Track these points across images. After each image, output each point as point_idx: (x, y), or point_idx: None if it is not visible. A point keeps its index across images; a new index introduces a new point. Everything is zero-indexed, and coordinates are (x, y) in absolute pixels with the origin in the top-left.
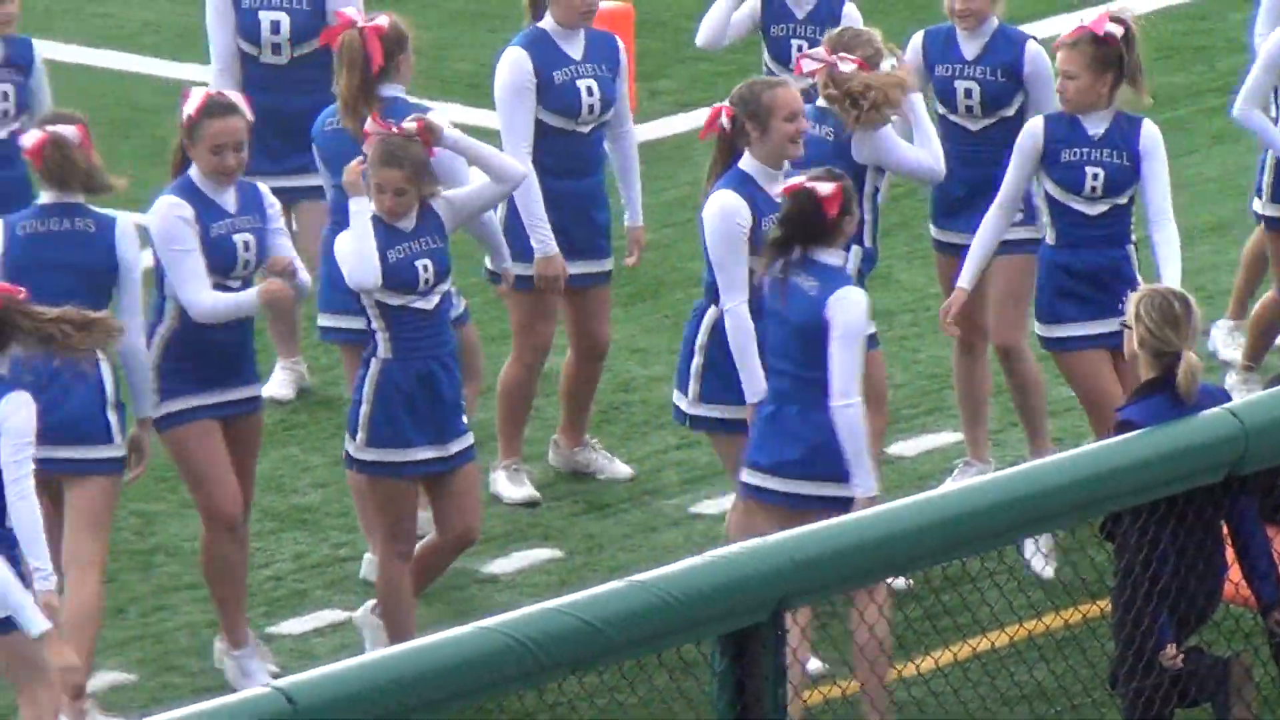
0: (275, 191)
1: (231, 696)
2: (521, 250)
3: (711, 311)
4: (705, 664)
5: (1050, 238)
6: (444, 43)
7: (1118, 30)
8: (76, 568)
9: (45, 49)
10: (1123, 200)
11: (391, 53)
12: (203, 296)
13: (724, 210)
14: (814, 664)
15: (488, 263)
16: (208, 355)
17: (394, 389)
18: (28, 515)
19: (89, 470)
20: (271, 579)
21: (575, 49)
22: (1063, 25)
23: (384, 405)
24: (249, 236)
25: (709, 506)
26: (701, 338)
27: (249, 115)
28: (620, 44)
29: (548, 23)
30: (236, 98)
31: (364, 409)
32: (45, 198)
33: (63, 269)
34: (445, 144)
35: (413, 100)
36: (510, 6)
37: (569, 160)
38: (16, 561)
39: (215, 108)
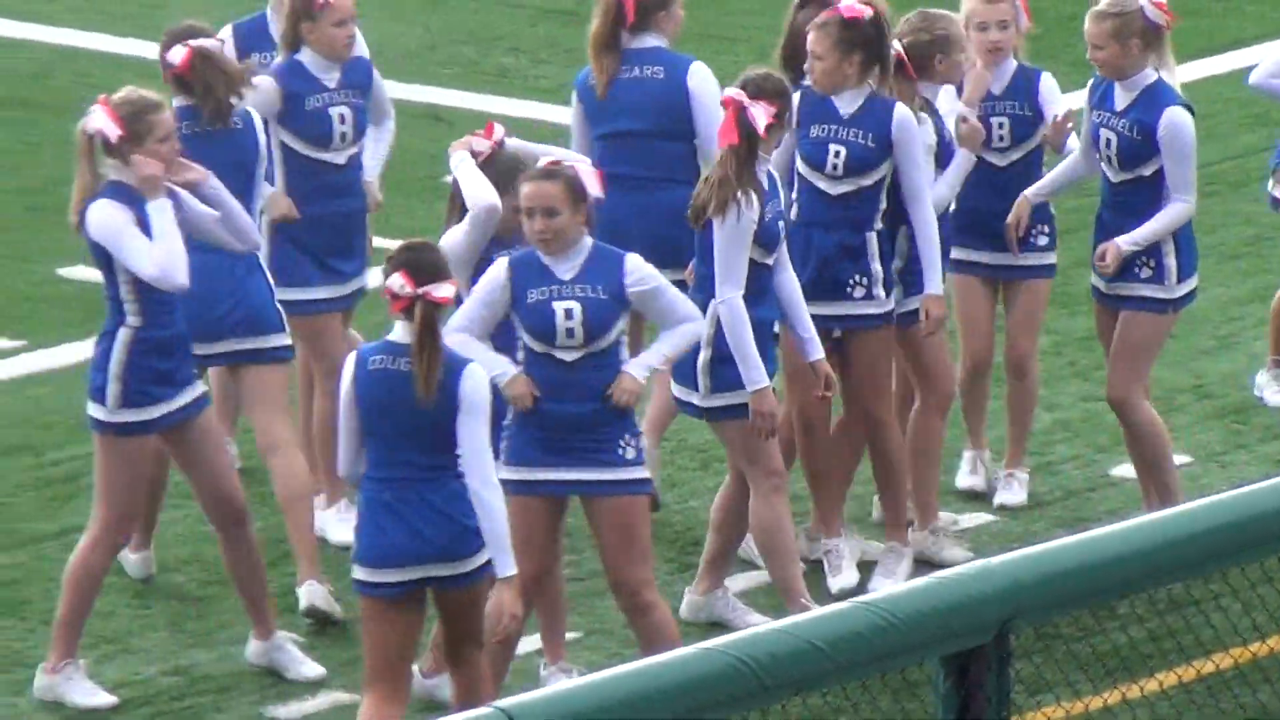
0: (335, 301)
1: (455, 717)
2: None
3: (713, 306)
4: (929, 685)
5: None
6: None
7: (866, 12)
8: (281, 448)
9: None
10: (867, 182)
11: (647, 9)
12: None
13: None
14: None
15: None
16: None
17: None
18: (499, 506)
19: (270, 358)
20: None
21: None
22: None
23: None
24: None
25: (935, 529)
26: (708, 330)
27: None
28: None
29: None
30: None
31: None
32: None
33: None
34: (510, 150)
35: (670, 52)
36: (734, 29)
37: None
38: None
39: None
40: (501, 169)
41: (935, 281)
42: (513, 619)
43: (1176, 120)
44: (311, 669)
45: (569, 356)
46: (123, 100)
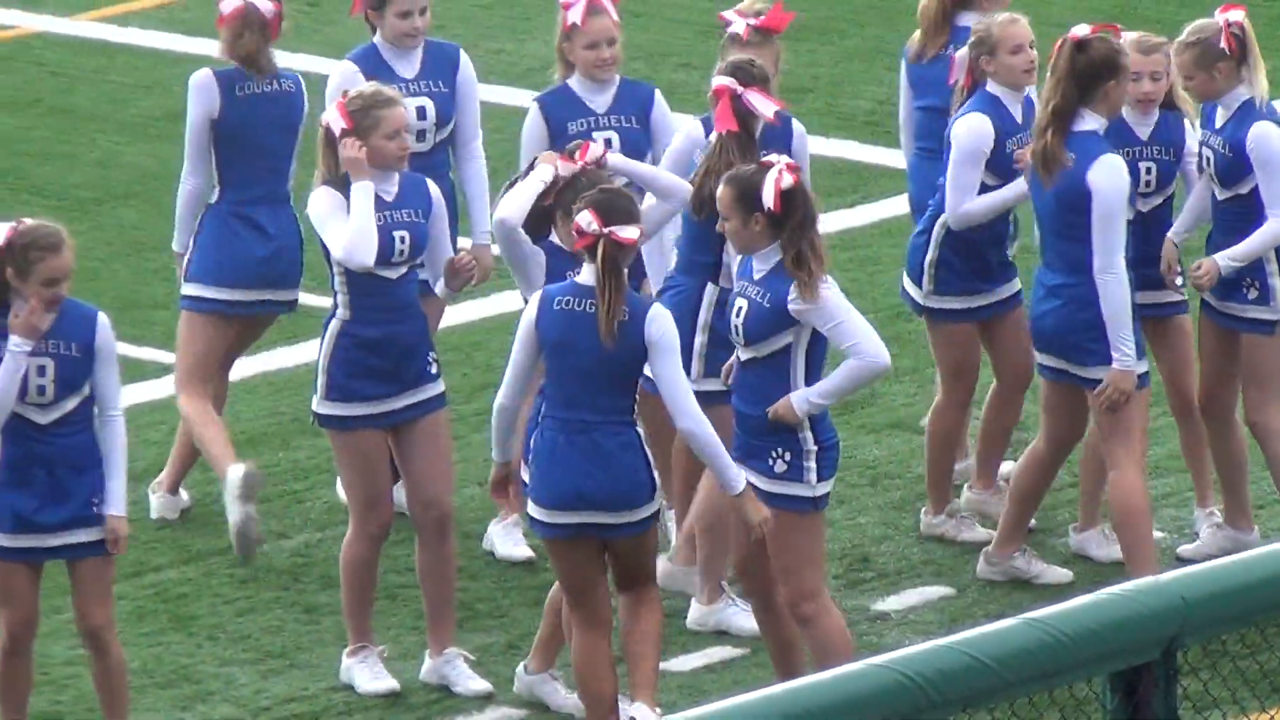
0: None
1: None
2: None
3: (710, 289)
4: (1096, 702)
5: None
6: (840, 79)
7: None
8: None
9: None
10: None
11: None
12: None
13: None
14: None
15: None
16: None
17: None
18: (707, 433)
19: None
20: (667, 616)
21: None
22: None
23: None
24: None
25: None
26: (704, 316)
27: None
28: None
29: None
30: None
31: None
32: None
33: (275, 127)
34: (611, 169)
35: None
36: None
37: None
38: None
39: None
40: (580, 189)
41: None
42: (764, 522)
43: (1262, 134)
44: (479, 684)
45: (744, 356)
46: (356, 94)
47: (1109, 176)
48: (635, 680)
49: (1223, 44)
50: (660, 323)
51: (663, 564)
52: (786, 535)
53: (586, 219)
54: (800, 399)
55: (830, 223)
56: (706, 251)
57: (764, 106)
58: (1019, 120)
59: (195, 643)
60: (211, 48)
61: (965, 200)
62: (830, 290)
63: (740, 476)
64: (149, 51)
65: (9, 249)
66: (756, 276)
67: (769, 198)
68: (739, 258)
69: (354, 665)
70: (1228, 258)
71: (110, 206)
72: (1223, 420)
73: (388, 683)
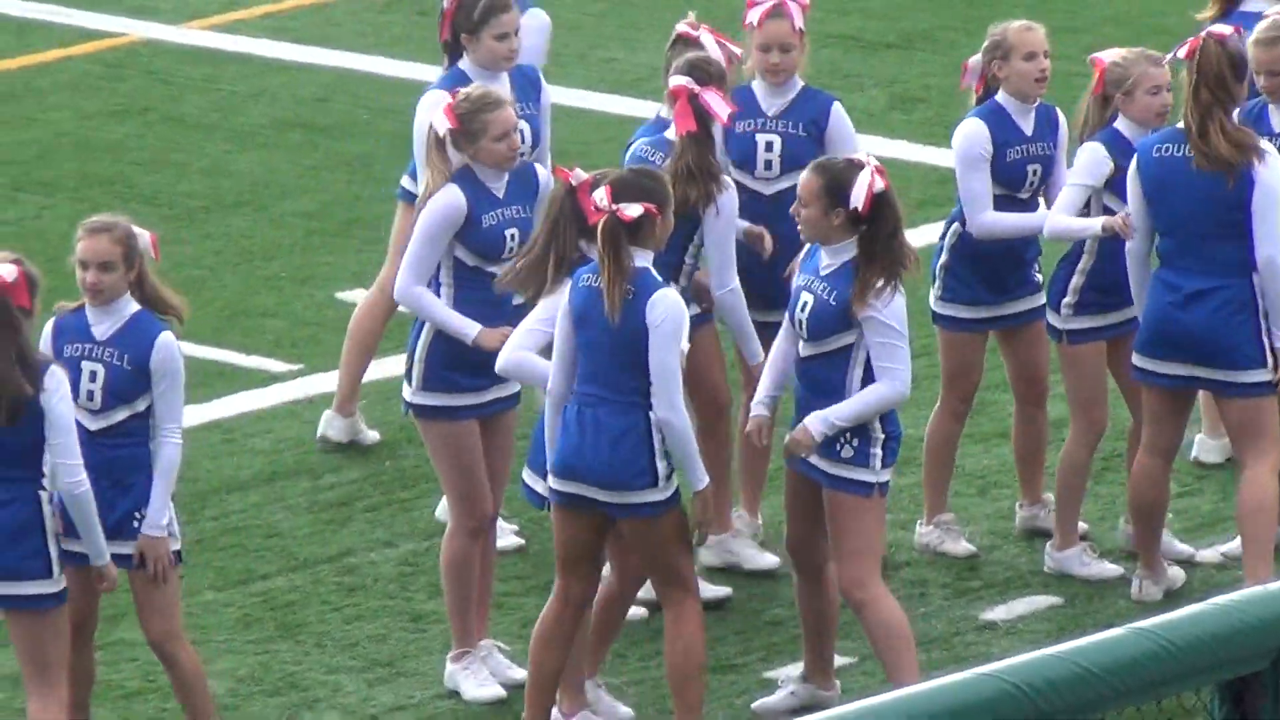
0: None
1: None
2: None
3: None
4: (1204, 712)
5: None
6: (951, 89)
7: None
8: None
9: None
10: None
11: None
12: None
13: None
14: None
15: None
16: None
17: None
18: (681, 426)
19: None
20: (769, 624)
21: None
22: None
23: None
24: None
25: (1209, 554)
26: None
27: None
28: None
29: None
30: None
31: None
32: None
33: None
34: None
35: None
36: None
37: None
38: None
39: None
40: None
41: None
42: (705, 526)
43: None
44: (518, 672)
45: (804, 351)
46: (464, 97)
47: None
48: (675, 706)
49: None
50: (661, 307)
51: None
52: (849, 518)
53: (600, 194)
54: (819, 421)
55: (928, 233)
56: (671, 250)
57: (719, 108)
58: (1027, 132)
59: (303, 650)
60: (319, 56)
61: (981, 209)
62: (895, 304)
63: (701, 475)
64: (257, 60)
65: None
66: (824, 272)
67: (859, 198)
68: (804, 250)
69: (458, 671)
70: None
71: (219, 215)
72: None
73: (493, 690)
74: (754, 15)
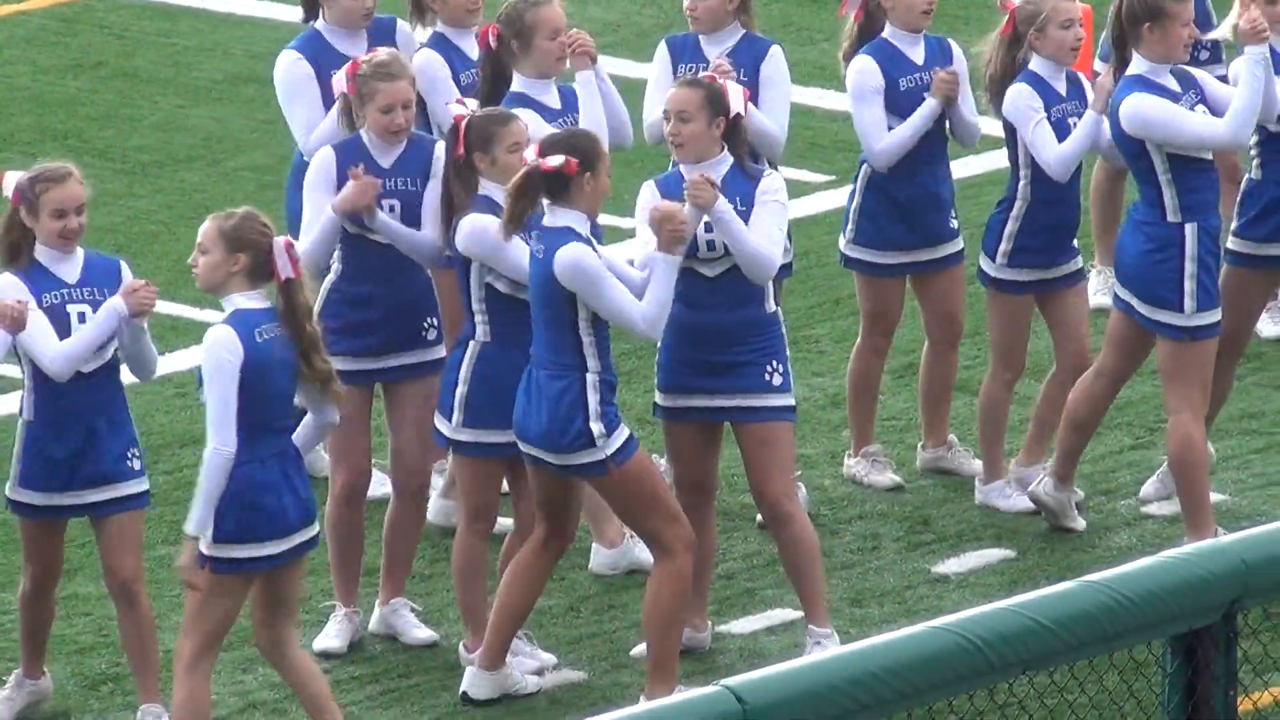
0: None
1: (681, 695)
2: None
3: None
4: (1156, 664)
5: None
6: None
7: None
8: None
9: None
10: None
11: None
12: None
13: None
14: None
15: None
16: None
17: None
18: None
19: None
20: (722, 578)
21: None
22: None
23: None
24: None
25: (1162, 507)
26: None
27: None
28: None
29: None
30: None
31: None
32: None
33: None
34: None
35: None
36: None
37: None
38: None
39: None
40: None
41: None
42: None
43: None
44: (425, 633)
45: (711, 271)
46: (366, 60)
47: None
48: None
49: None
50: (563, 261)
51: None
52: (782, 442)
53: (530, 153)
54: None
55: None
56: None
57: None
58: (918, 62)
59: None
60: (273, 10)
61: (876, 139)
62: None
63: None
64: (212, 15)
65: (19, 191)
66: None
67: (737, 104)
68: (655, 181)
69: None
70: None
71: (172, 169)
72: None
73: (426, 632)
74: None
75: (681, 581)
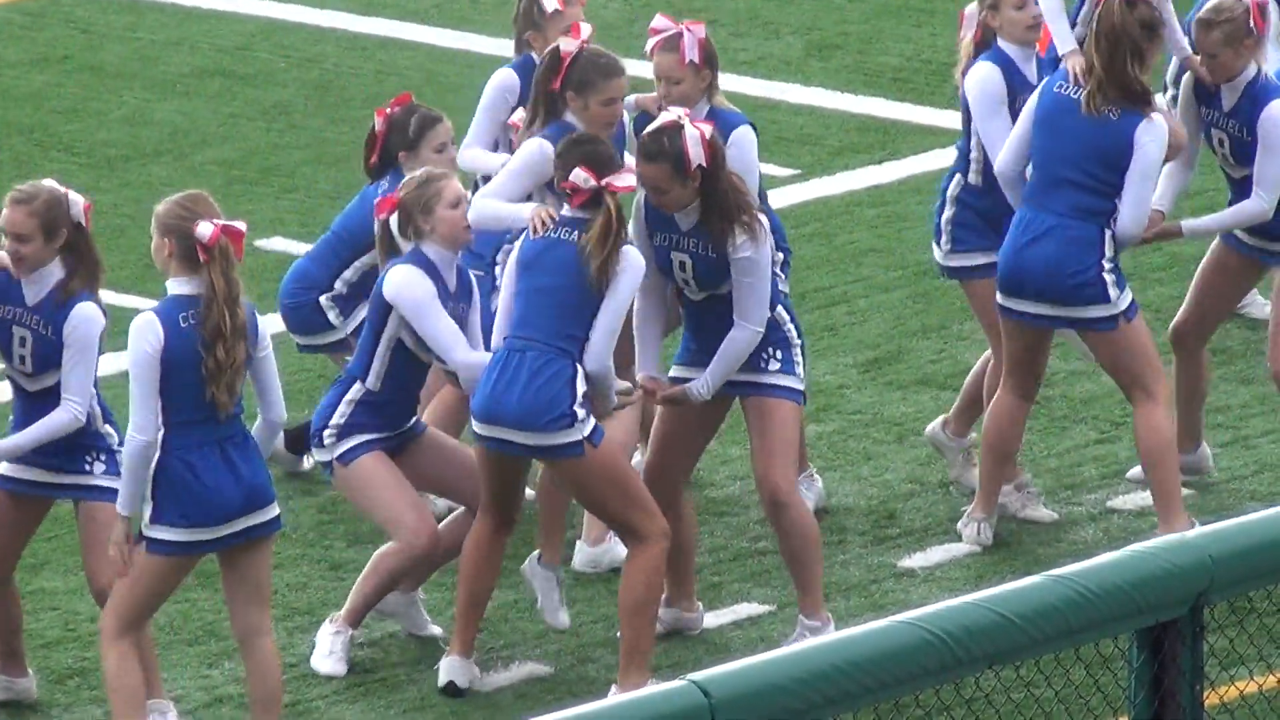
0: None
1: (646, 690)
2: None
3: None
4: (1122, 658)
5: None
6: (870, 35)
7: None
8: None
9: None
10: None
11: None
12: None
13: None
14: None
15: None
16: None
17: None
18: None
19: None
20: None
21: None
22: None
23: None
24: None
25: (1127, 502)
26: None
27: None
28: None
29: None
30: None
31: None
32: None
33: None
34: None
35: None
36: (931, 0)
37: None
38: None
39: None
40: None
41: None
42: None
43: (1274, 115)
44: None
45: (697, 297)
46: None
47: None
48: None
49: (1251, 23)
50: (631, 274)
51: None
52: (785, 424)
53: (581, 175)
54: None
55: (858, 179)
56: None
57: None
58: (1031, 80)
59: (222, 599)
60: (239, 4)
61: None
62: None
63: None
64: (178, 8)
65: None
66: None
67: (696, 154)
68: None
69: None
70: (1191, 228)
71: (138, 164)
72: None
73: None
74: (649, 45)
75: (656, 569)
